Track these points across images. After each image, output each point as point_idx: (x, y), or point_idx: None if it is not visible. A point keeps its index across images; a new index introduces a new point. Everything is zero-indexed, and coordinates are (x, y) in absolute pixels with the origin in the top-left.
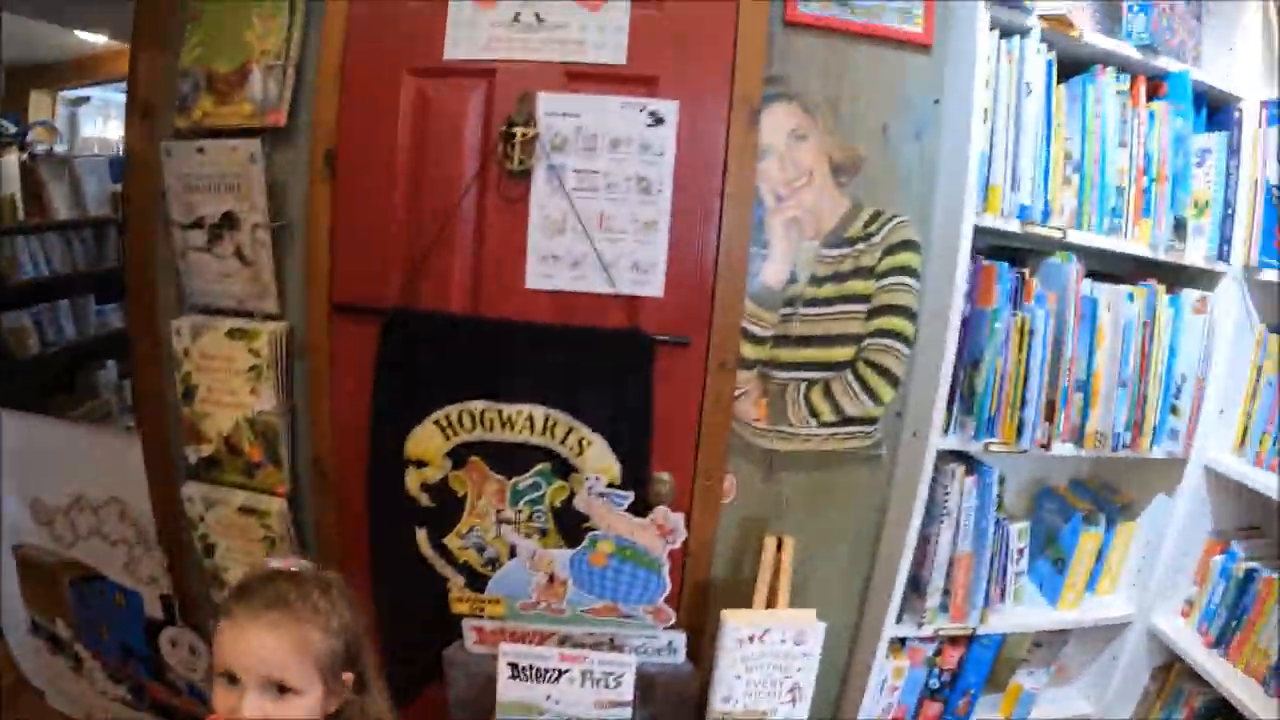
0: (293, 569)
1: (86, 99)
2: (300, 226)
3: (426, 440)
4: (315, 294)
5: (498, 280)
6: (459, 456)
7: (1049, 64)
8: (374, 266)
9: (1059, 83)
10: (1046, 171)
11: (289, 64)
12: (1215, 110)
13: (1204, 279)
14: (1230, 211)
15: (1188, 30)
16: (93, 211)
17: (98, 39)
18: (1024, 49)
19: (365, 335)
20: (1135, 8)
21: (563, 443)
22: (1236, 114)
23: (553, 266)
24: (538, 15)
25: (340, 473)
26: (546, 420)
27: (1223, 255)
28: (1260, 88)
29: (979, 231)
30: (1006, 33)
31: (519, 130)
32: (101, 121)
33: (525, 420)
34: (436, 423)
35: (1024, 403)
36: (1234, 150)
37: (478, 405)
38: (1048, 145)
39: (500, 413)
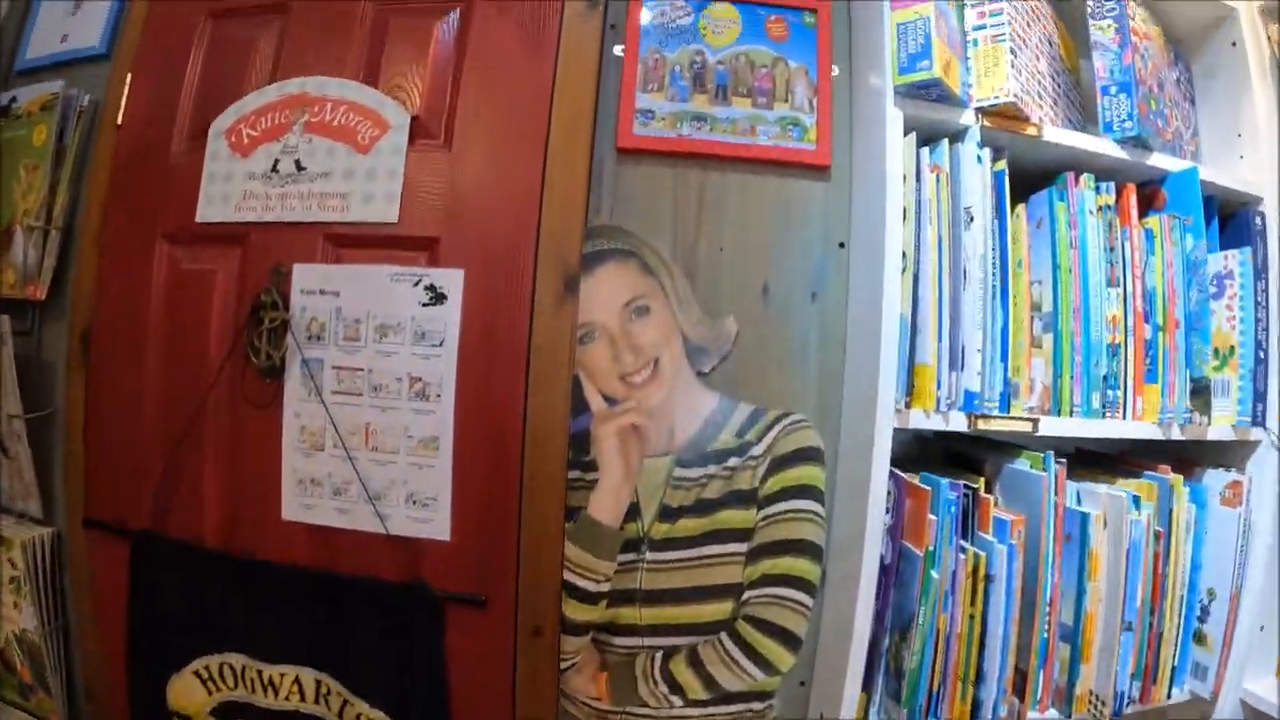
0: None
1: None
2: (62, 416)
3: (187, 693)
4: (72, 500)
5: (253, 506)
6: (226, 717)
7: (998, 177)
8: (125, 475)
9: (1015, 203)
10: (1004, 334)
11: (52, 226)
12: (1226, 219)
13: (1233, 451)
14: (1263, 355)
15: (1182, 116)
16: None
17: None
18: (959, 159)
19: (121, 555)
20: (1114, 88)
21: (340, 717)
22: (1257, 221)
23: (312, 493)
24: (298, 163)
25: (113, 711)
26: (319, 687)
27: (1257, 418)
28: None
29: (903, 435)
30: (931, 137)
31: (267, 315)
32: None
33: (293, 684)
34: (197, 673)
35: (980, 676)
36: (1260, 271)
37: (236, 660)
38: (1003, 295)
39: (261, 673)
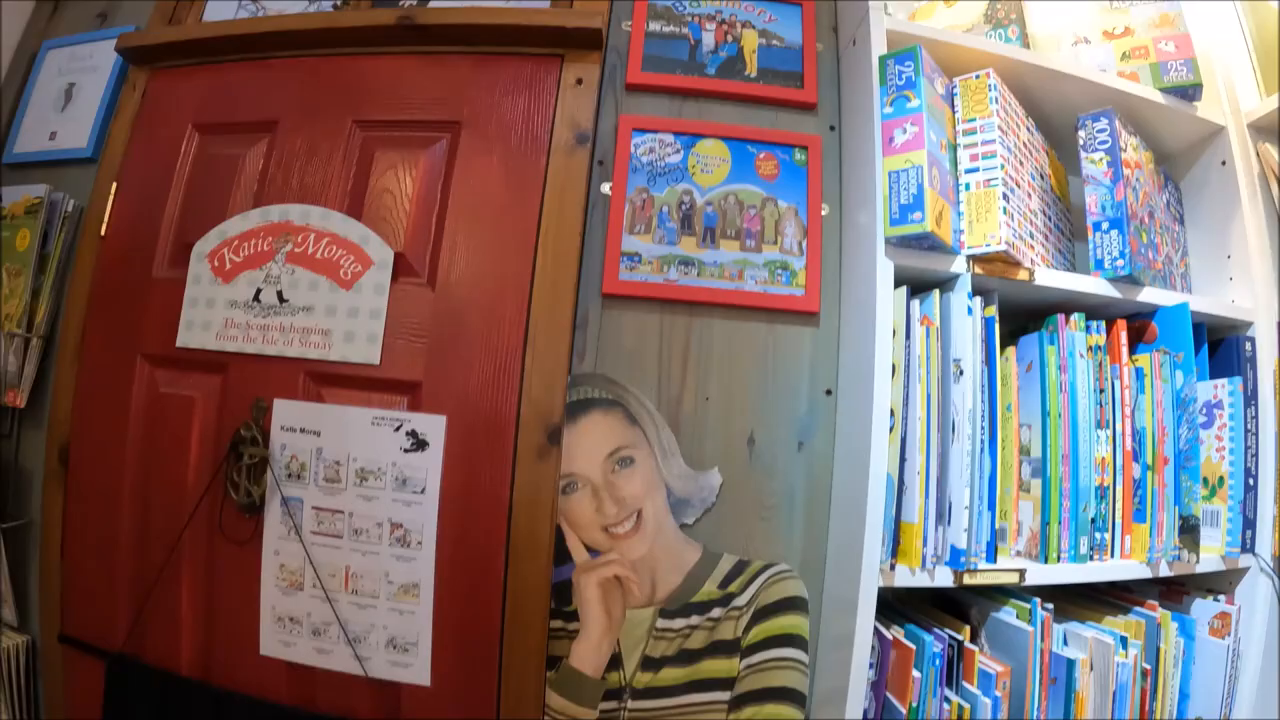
0: None
1: None
2: (38, 529)
3: None
4: (48, 613)
5: (230, 639)
6: None
7: (988, 324)
8: (102, 594)
9: (1005, 342)
10: (992, 482)
11: (34, 335)
12: (1216, 343)
13: (1222, 576)
14: (1253, 483)
15: (1172, 240)
16: None
17: None
18: (949, 310)
19: (96, 674)
20: (1105, 224)
21: None
22: (1247, 347)
23: (291, 631)
24: (280, 294)
25: None
26: None
27: (1247, 545)
28: (1274, 303)
29: (891, 592)
30: (921, 283)
31: (246, 451)
32: None
33: None
34: None
35: None
36: (1250, 397)
37: None
38: (992, 444)
39: None
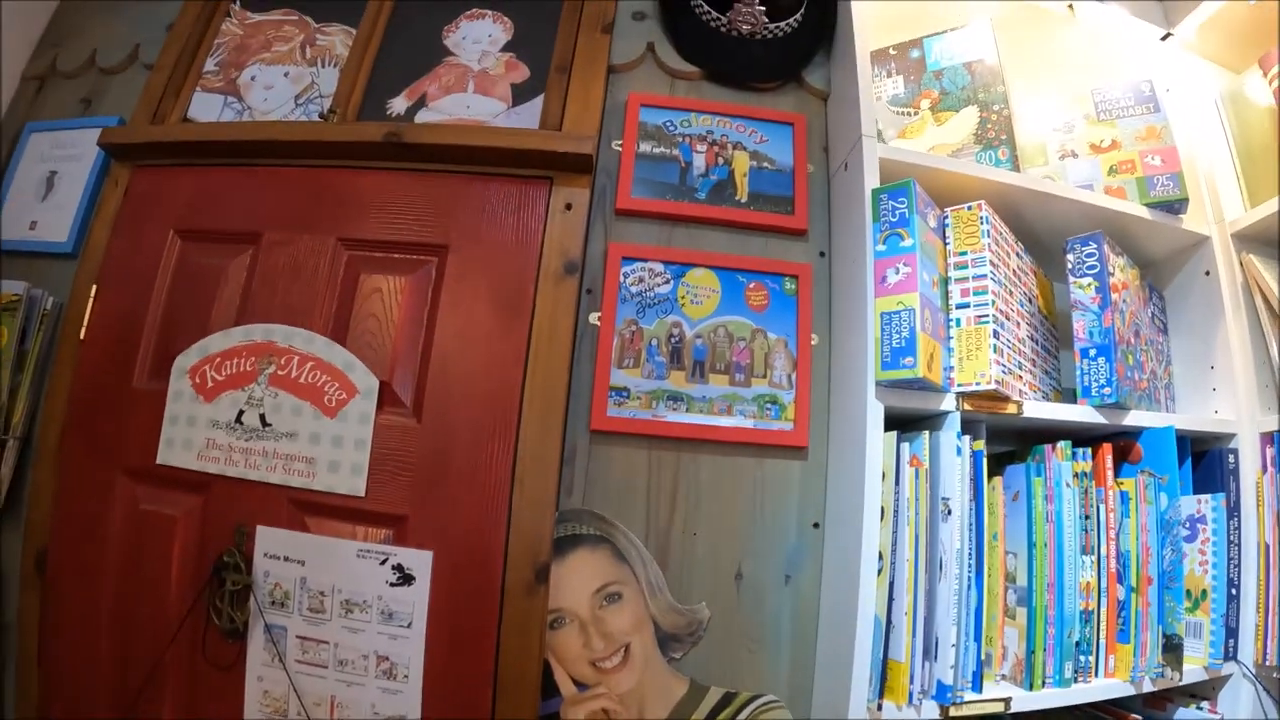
0: None
1: None
2: (15, 633)
3: None
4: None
5: None
6: None
7: (976, 458)
8: (80, 707)
9: (992, 475)
10: (979, 613)
11: (11, 436)
12: (1199, 455)
13: (1206, 683)
14: (1235, 593)
15: (1156, 353)
16: None
17: None
18: (938, 449)
19: None
20: (1093, 350)
21: None
22: (1230, 460)
23: None
24: (263, 417)
25: None
26: None
27: (1230, 654)
28: (1257, 415)
29: None
30: (909, 421)
31: (229, 577)
32: None
33: None
34: None
35: None
36: (1233, 510)
37: None
38: (978, 575)
39: None
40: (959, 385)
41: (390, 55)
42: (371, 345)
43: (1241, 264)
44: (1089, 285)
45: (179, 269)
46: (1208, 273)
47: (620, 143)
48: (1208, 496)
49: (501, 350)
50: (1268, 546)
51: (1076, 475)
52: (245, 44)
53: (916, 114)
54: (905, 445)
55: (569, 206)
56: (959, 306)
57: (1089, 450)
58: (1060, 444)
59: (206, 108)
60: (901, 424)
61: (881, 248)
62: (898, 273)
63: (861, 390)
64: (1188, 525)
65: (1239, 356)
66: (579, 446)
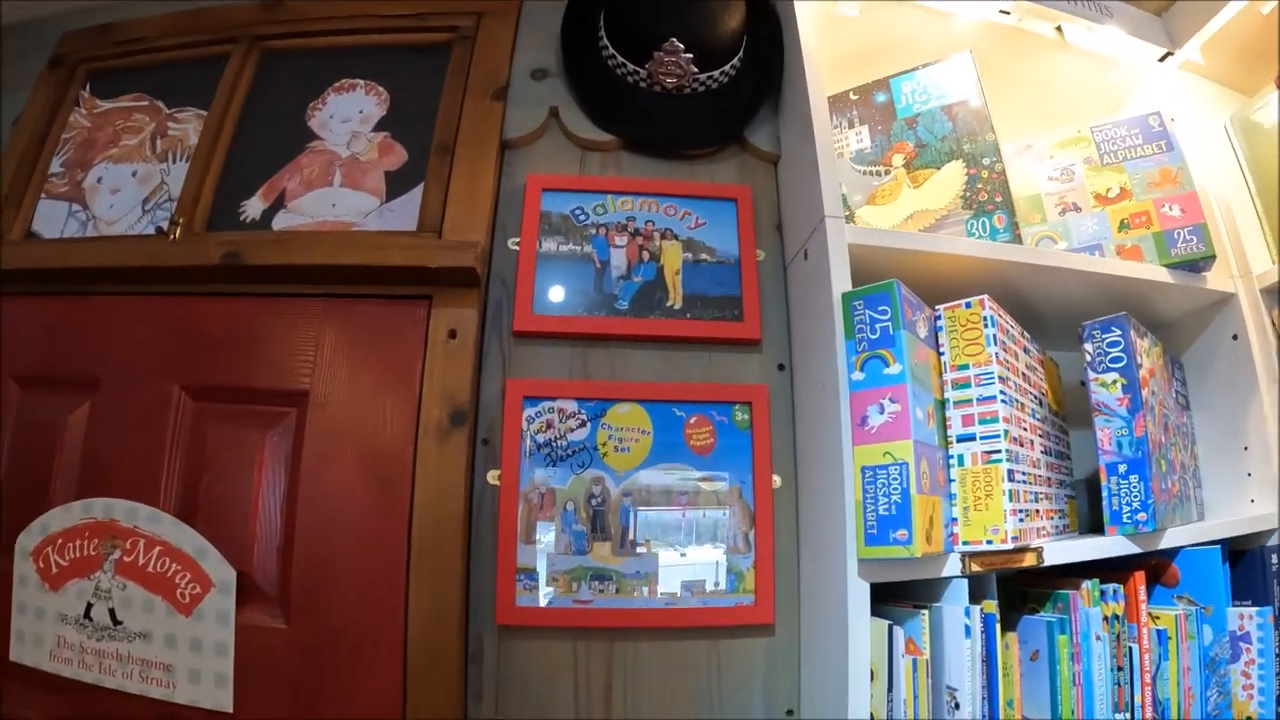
0: None
1: None
2: None
3: None
4: None
5: None
6: None
7: (988, 622)
8: None
9: (1005, 631)
10: None
11: None
12: (1236, 555)
13: None
14: None
15: (1183, 439)
16: None
17: None
18: (941, 630)
19: None
20: (1123, 466)
21: None
22: (1273, 562)
23: None
24: (113, 612)
25: None
26: None
27: None
28: None
29: None
30: (902, 595)
31: None
32: None
33: None
34: None
35: None
36: None
37: None
38: None
39: None
40: (964, 543)
41: (246, 143)
42: (226, 524)
43: (1273, 323)
44: (1114, 383)
45: (20, 424)
46: (1235, 337)
47: (518, 241)
48: (1252, 611)
49: (379, 530)
50: None
51: (1106, 620)
52: (93, 138)
53: (888, 173)
54: (899, 632)
55: (453, 334)
56: (961, 439)
57: (1119, 586)
58: (1086, 585)
59: (51, 218)
60: (888, 587)
61: (859, 376)
62: (883, 412)
63: (839, 565)
64: (1231, 649)
65: (1276, 437)
66: (486, 644)
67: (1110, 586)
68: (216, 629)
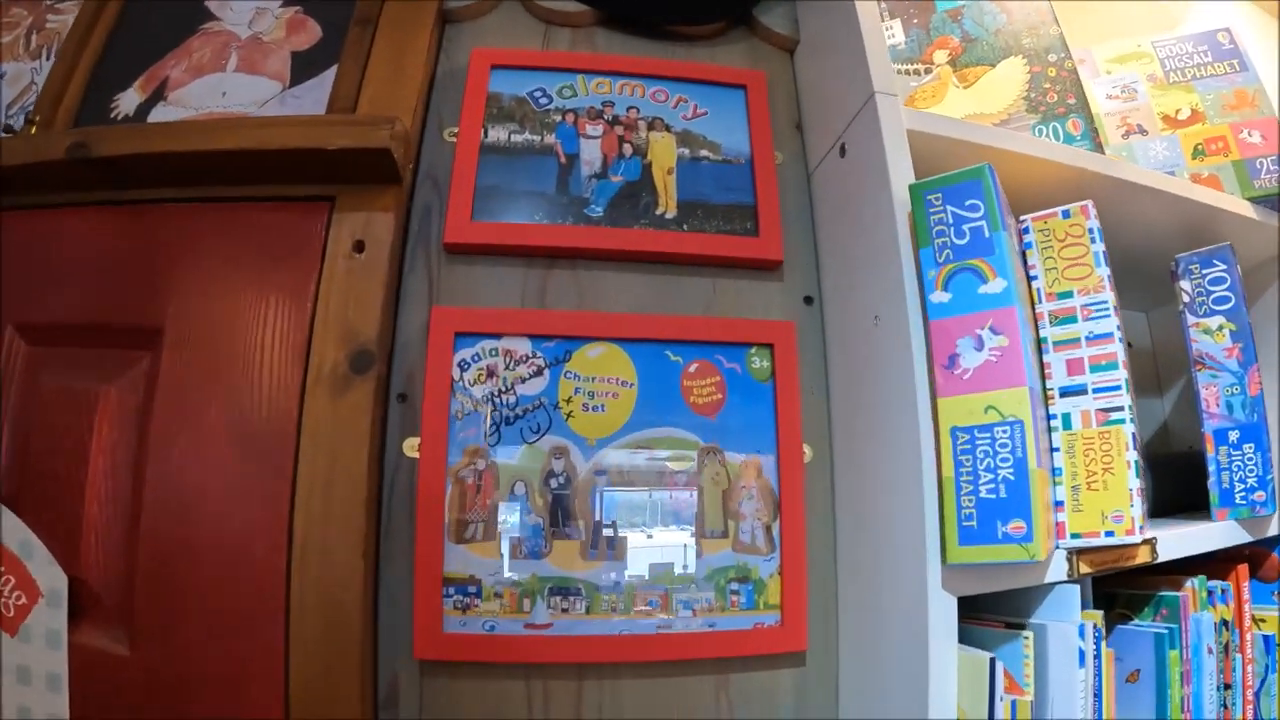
0: None
1: None
2: None
3: None
4: None
5: None
6: None
7: (1097, 641)
8: None
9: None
10: None
11: None
12: None
13: None
14: None
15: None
16: None
17: None
18: (1045, 656)
19: None
20: (1234, 433)
21: None
22: None
23: None
24: None
25: None
26: None
27: None
28: None
29: None
30: (985, 603)
31: None
32: None
33: None
34: None
35: None
36: None
37: None
38: None
39: None
40: (1073, 536)
41: (129, 32)
42: (56, 508)
43: None
44: (1220, 330)
45: None
46: None
47: (455, 130)
48: None
49: (249, 519)
50: None
51: (1216, 628)
52: None
53: (929, 72)
54: (999, 667)
55: (359, 247)
56: (1066, 392)
57: (1227, 585)
58: (1191, 583)
59: None
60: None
61: (942, 297)
62: (981, 347)
63: (910, 573)
64: None
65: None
66: (404, 682)
67: (1217, 584)
68: (47, 655)
